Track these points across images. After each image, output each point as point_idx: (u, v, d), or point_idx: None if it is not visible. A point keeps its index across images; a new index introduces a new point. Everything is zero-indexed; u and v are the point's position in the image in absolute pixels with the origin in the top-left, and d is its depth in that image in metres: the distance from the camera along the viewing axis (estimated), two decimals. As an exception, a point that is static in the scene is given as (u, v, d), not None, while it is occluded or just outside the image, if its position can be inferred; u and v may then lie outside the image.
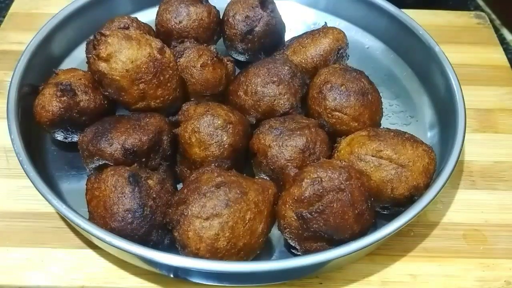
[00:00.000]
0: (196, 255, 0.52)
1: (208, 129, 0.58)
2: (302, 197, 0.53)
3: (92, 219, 0.55)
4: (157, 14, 0.73)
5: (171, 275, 0.55)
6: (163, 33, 0.72)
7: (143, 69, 0.58)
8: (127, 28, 0.60)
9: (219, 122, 0.59)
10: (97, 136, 0.57)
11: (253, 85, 0.64)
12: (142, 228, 0.54)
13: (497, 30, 0.91)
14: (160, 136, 0.59)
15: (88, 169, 0.59)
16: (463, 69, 0.75)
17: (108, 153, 0.56)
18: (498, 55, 0.82)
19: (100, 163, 0.57)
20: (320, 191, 0.53)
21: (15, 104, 0.62)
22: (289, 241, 0.55)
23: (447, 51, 0.72)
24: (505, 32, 0.95)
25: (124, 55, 0.58)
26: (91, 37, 0.68)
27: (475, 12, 0.90)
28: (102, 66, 0.57)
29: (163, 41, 0.62)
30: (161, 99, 0.61)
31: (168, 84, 0.61)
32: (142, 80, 0.59)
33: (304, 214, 0.53)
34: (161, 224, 0.54)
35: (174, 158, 0.63)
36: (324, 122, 0.63)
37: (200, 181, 0.54)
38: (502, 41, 0.91)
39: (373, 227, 0.56)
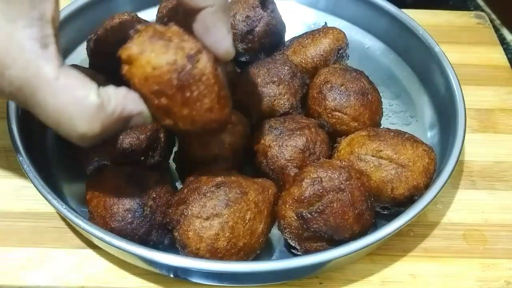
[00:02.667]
0: (196, 255, 0.52)
1: (208, 129, 0.58)
2: (302, 197, 0.53)
3: (92, 219, 0.55)
4: (157, 11, 0.73)
5: (171, 275, 0.55)
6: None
7: (164, 80, 0.46)
8: (166, 23, 0.47)
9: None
10: None
11: (253, 85, 0.64)
12: (142, 228, 0.54)
13: (497, 30, 0.91)
14: (157, 133, 0.59)
15: (87, 170, 0.59)
16: (463, 69, 0.75)
17: (107, 153, 0.56)
18: (498, 55, 0.82)
19: (99, 163, 0.57)
20: (320, 191, 0.53)
21: (15, 104, 0.62)
22: (289, 241, 0.55)
23: (447, 51, 0.72)
24: (505, 32, 0.94)
25: (145, 58, 0.45)
26: (92, 35, 0.68)
27: (475, 12, 0.90)
28: (125, 69, 0.47)
29: None
30: (189, 120, 0.48)
31: (198, 104, 0.47)
32: (164, 93, 0.46)
33: (304, 214, 0.53)
34: (161, 224, 0.54)
35: (174, 158, 0.63)
36: (324, 122, 0.63)
37: (200, 181, 0.54)
38: (502, 41, 0.91)
39: (373, 227, 0.56)
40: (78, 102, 0.43)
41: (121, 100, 0.45)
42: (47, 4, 0.42)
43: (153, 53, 0.45)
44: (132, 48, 0.46)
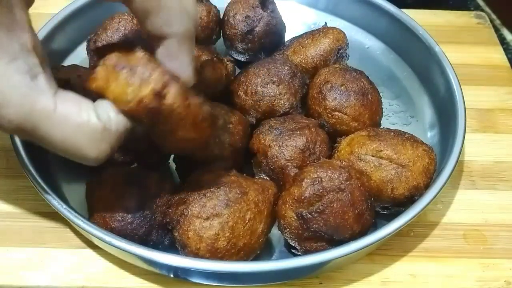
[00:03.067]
0: (196, 255, 0.52)
1: (208, 129, 0.58)
2: (302, 197, 0.53)
3: (92, 219, 0.55)
4: None
5: (171, 275, 0.55)
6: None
7: (135, 113, 0.44)
8: (131, 47, 0.45)
9: (219, 122, 0.59)
10: None
11: (253, 85, 0.64)
12: (142, 228, 0.54)
13: (497, 30, 0.91)
14: None
15: (87, 170, 0.59)
16: (463, 69, 0.75)
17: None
18: (498, 55, 0.82)
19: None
20: (320, 191, 0.53)
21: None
22: (289, 241, 0.55)
23: (447, 51, 0.72)
24: (505, 32, 0.94)
25: (112, 93, 0.44)
26: (92, 35, 0.68)
27: (475, 12, 0.90)
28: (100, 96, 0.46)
29: None
30: (166, 147, 0.50)
31: (172, 135, 0.47)
32: (140, 122, 0.46)
33: (304, 214, 0.53)
34: (161, 224, 0.54)
35: (174, 158, 0.63)
36: (324, 122, 0.63)
37: (200, 181, 0.54)
38: (502, 41, 0.91)
39: (373, 227, 0.56)
40: (82, 129, 0.43)
41: (121, 116, 0.45)
42: (24, 34, 0.41)
43: (118, 88, 0.43)
44: (97, 80, 0.44)
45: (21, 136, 0.44)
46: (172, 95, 0.44)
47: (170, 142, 0.48)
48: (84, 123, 0.43)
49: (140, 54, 0.45)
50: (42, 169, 0.58)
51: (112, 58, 0.44)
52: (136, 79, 0.43)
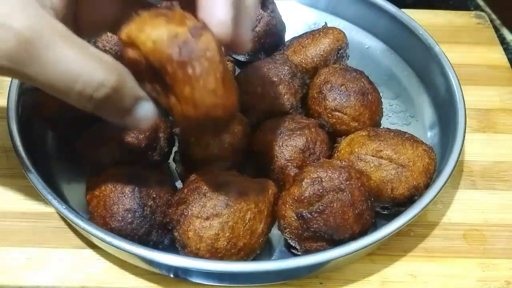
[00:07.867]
0: (196, 255, 0.52)
1: (208, 129, 0.58)
2: (302, 197, 0.53)
3: (92, 219, 0.55)
4: None
5: (171, 275, 0.55)
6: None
7: (165, 54, 0.42)
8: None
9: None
10: (95, 139, 0.57)
11: (253, 85, 0.64)
12: (142, 228, 0.54)
13: (497, 30, 0.91)
14: (157, 133, 0.59)
15: (88, 170, 0.59)
16: (463, 69, 0.75)
17: (106, 154, 0.56)
18: (498, 55, 0.82)
19: (99, 163, 0.57)
20: (320, 191, 0.53)
21: (15, 104, 0.62)
22: (289, 241, 0.55)
23: (447, 51, 0.72)
24: (505, 32, 0.94)
25: (145, 34, 0.43)
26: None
27: (475, 12, 0.90)
28: (128, 52, 0.45)
29: None
30: (191, 102, 0.44)
31: (201, 82, 0.43)
32: (165, 71, 0.43)
33: (304, 214, 0.53)
34: (161, 224, 0.55)
35: (174, 158, 0.63)
36: (324, 122, 0.63)
37: (200, 181, 0.54)
38: (502, 41, 0.91)
39: (373, 227, 0.56)
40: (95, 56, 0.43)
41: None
42: None
43: (153, 28, 0.42)
44: (131, 27, 0.43)
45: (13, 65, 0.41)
46: (209, 35, 0.42)
47: (196, 94, 0.43)
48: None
49: (179, 10, 0.44)
50: (42, 169, 0.58)
51: (151, 11, 0.43)
52: (173, 22, 0.42)
